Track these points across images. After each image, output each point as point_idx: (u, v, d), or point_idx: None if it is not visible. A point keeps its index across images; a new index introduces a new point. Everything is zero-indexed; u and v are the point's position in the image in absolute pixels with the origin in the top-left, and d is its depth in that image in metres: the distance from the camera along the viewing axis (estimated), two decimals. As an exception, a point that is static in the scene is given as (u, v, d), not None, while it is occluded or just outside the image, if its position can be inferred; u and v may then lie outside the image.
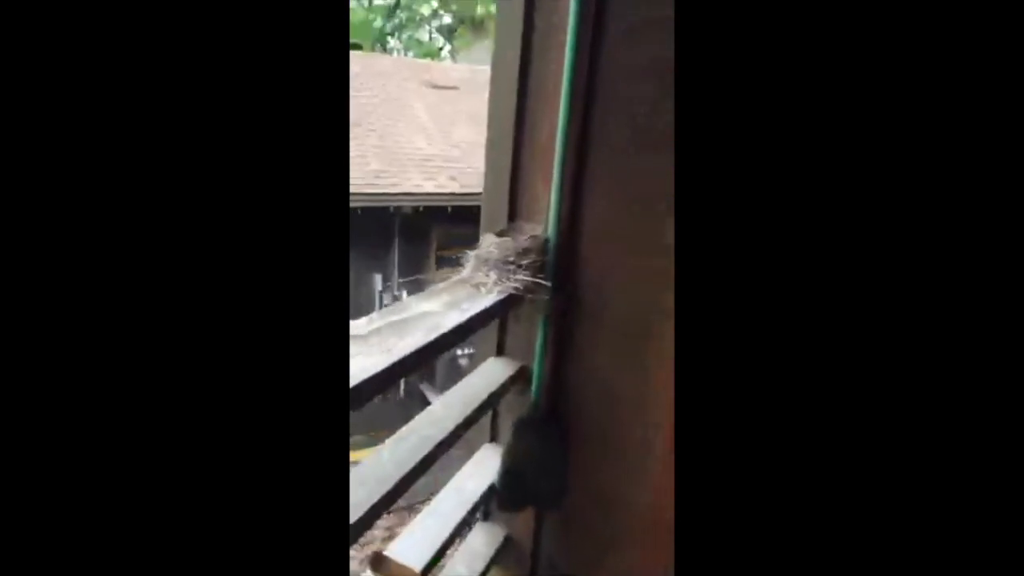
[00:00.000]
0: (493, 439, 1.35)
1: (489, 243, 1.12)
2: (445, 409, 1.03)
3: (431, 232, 6.46)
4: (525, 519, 1.35)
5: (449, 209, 5.90)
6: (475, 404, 1.07)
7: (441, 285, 1.05)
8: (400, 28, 14.99)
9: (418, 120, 7.02)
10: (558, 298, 1.11)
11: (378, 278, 6.39)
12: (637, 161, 1.03)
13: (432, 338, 0.81)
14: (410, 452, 0.89)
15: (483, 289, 1.04)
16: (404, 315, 0.89)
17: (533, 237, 1.11)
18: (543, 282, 1.05)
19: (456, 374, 5.96)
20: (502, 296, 1.02)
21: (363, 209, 5.49)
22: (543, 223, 1.12)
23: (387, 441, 0.92)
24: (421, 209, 5.89)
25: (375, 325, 0.84)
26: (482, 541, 1.36)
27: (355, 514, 0.74)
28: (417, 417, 1.00)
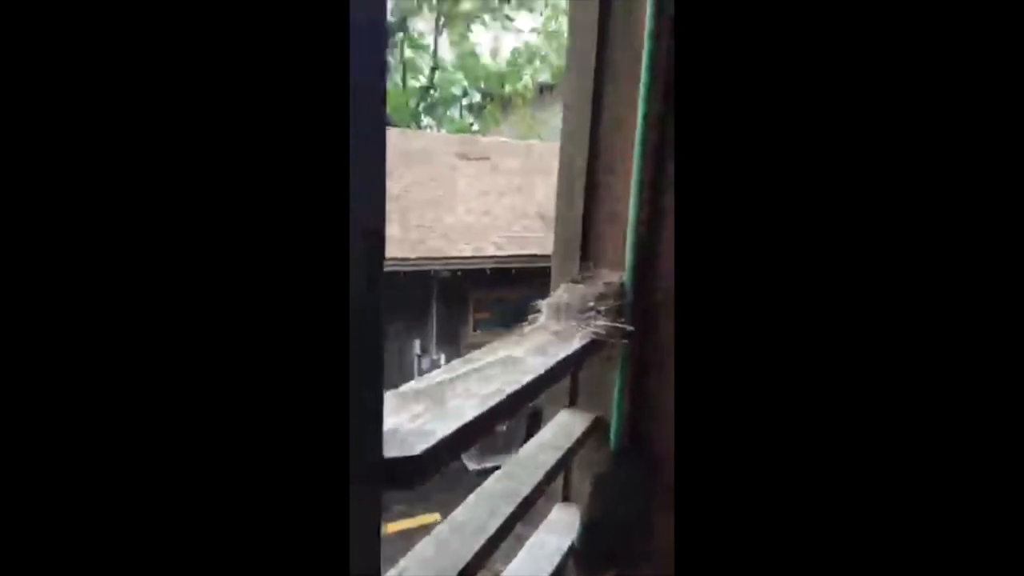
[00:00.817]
0: (566, 499, 1.28)
1: (563, 290, 1.11)
2: (520, 468, 0.98)
3: (469, 296, 6.52)
4: (604, 585, 1.26)
5: (488, 272, 5.98)
6: (553, 460, 1.02)
7: (519, 334, 1.03)
8: (432, 107, 15.86)
9: (454, 189, 7.28)
10: (639, 343, 1.09)
11: (416, 343, 6.42)
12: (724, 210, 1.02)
13: (525, 382, 0.79)
14: (486, 517, 0.84)
15: (562, 335, 1.02)
16: (487, 360, 0.88)
17: (608, 283, 1.10)
18: (624, 326, 1.03)
19: (494, 441, 5.80)
20: (584, 341, 1.00)
21: (404, 274, 5.61)
22: (619, 268, 1.11)
23: (459, 508, 0.87)
24: (460, 273, 5.99)
25: (458, 371, 0.82)
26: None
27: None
28: (488, 480, 0.95)
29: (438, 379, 0.76)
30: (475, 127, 16.03)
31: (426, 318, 6.50)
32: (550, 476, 0.99)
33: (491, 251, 6.07)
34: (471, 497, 0.89)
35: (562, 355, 0.92)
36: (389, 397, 0.67)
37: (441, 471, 0.59)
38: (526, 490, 0.91)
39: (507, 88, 15.09)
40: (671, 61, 1.01)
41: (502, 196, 7.25)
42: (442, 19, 14.37)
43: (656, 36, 0.99)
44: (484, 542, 0.77)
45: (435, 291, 6.41)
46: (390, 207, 6.19)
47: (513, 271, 5.93)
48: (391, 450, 0.56)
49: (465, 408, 0.67)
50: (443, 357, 6.40)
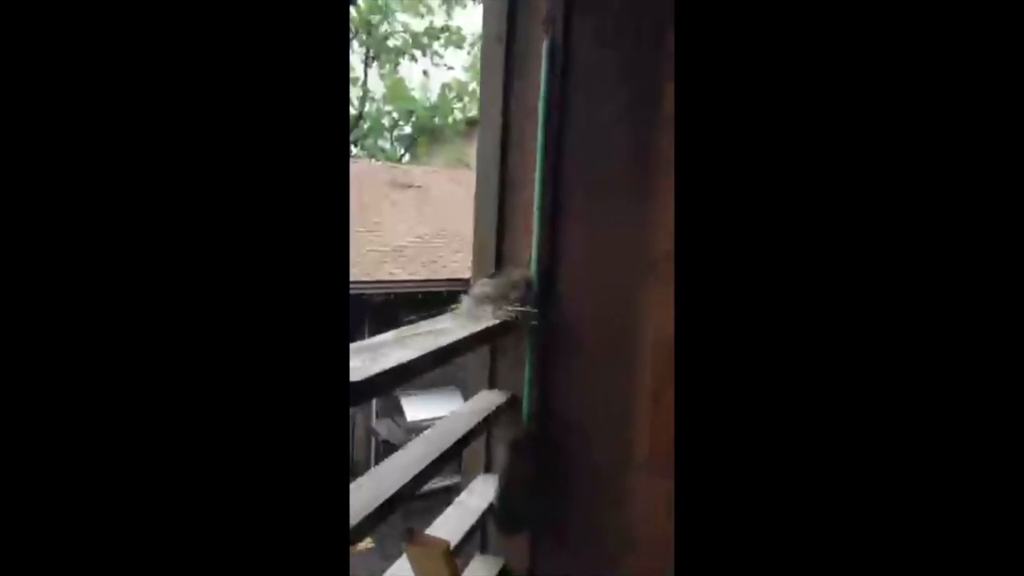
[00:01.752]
0: (487, 470, 1.46)
1: (481, 284, 1.31)
2: (442, 432, 1.16)
3: (401, 321, 6.59)
4: (521, 548, 1.43)
5: (420, 296, 6.10)
6: (472, 423, 1.21)
7: (443, 317, 1.22)
8: (363, 138, 15.90)
9: (385, 216, 7.39)
10: (543, 326, 1.30)
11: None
12: (604, 208, 1.27)
13: (445, 344, 0.98)
14: (408, 466, 1.00)
15: (479, 318, 1.22)
16: (415, 331, 1.06)
17: (518, 278, 1.31)
18: (531, 310, 1.24)
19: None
20: (497, 321, 1.20)
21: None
22: (527, 265, 1.32)
23: (393, 456, 1.04)
24: (392, 296, 6.07)
25: (388, 339, 1.00)
26: (480, 572, 1.42)
27: (353, 519, 0.79)
28: (413, 441, 1.12)
29: (373, 342, 0.93)
30: (406, 158, 16.20)
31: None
32: (468, 435, 1.17)
33: (423, 275, 6.22)
34: (401, 451, 1.05)
35: (477, 329, 1.11)
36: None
37: (382, 395, 0.75)
38: (448, 443, 1.08)
39: (437, 121, 15.42)
40: (561, 96, 1.26)
41: (433, 222, 7.43)
42: (371, 52, 14.60)
43: (550, 72, 1.24)
44: (411, 477, 0.94)
45: (368, 315, 6.45)
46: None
47: (445, 294, 6.08)
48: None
49: (393, 359, 0.85)
50: (375, 382, 6.41)
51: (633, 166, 1.24)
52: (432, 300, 6.14)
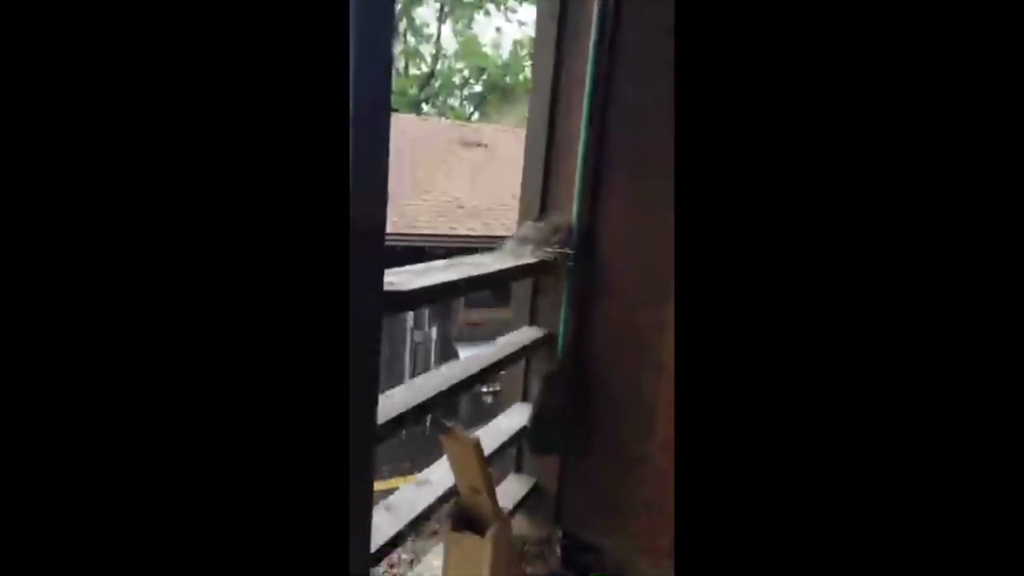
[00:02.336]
0: (525, 399, 1.61)
1: (525, 227, 1.43)
2: (480, 357, 1.31)
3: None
4: (551, 469, 1.59)
5: (479, 251, 6.31)
6: (510, 350, 1.36)
7: (487, 254, 1.36)
8: (434, 95, 16.06)
9: (452, 173, 7.58)
10: (581, 269, 1.41)
11: (410, 315, 6.74)
12: (643, 165, 1.35)
13: (486, 271, 1.12)
14: (455, 374, 1.17)
15: (520, 256, 1.35)
16: (462, 262, 1.21)
17: (559, 223, 1.43)
18: (568, 251, 1.36)
19: (481, 411, 6.14)
20: (536, 260, 1.33)
21: (399, 248, 5.93)
22: (569, 214, 1.43)
23: (436, 369, 1.20)
24: (452, 251, 6.32)
25: (436, 266, 1.15)
26: (513, 487, 1.59)
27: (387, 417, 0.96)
28: (463, 358, 1.29)
29: (423, 266, 1.09)
30: (475, 116, 16.27)
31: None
32: (508, 359, 1.32)
33: (482, 231, 6.40)
34: (445, 366, 1.22)
35: (517, 263, 1.25)
36: (388, 273, 0.98)
37: (425, 305, 0.90)
38: (486, 363, 1.24)
39: (508, 79, 15.33)
40: (607, 58, 1.33)
41: (498, 180, 7.55)
42: (445, 8, 14.57)
43: (599, 41, 1.32)
44: (449, 386, 1.10)
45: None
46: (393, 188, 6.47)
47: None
48: (390, 288, 0.88)
49: (440, 278, 1.00)
50: (434, 331, 6.73)
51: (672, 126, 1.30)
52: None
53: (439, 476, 1.18)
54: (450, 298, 1.04)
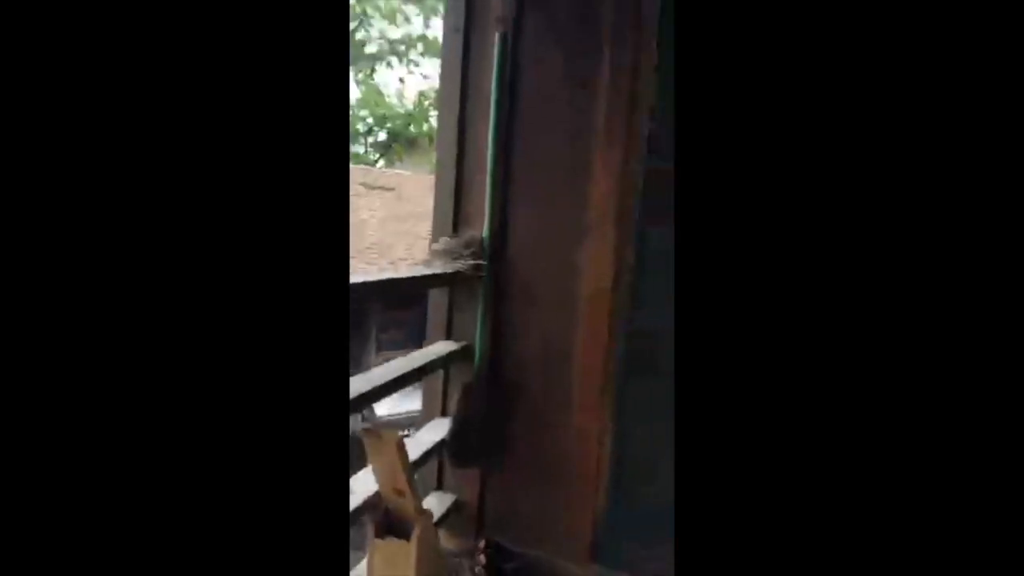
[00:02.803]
0: (444, 413, 1.63)
1: (441, 242, 1.50)
2: (397, 366, 1.34)
3: (370, 318, 6.71)
4: (472, 484, 1.61)
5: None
6: (428, 359, 1.39)
7: (406, 266, 1.40)
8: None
9: (357, 215, 7.51)
10: (494, 281, 1.49)
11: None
12: (547, 179, 1.47)
13: (400, 276, 1.17)
14: (377, 378, 1.19)
15: (434, 267, 1.41)
16: (376, 275, 1.24)
17: (471, 238, 1.50)
18: (480, 262, 1.44)
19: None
20: (451, 270, 1.39)
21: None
22: (480, 229, 1.52)
23: (361, 375, 1.22)
24: (360, 287, 6.21)
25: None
26: (434, 504, 1.59)
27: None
28: (375, 369, 1.31)
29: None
30: (380, 163, 16.28)
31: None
32: (423, 368, 1.35)
33: (391, 272, 6.36)
34: (369, 372, 1.23)
35: (429, 272, 1.30)
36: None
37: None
38: (405, 370, 1.27)
39: (412, 128, 15.58)
40: (511, 83, 1.46)
41: (405, 223, 7.58)
42: (348, 58, 14.69)
43: (501, 61, 1.45)
44: (373, 387, 1.12)
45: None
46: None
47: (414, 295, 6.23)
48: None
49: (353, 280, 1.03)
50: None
51: (572, 145, 1.45)
52: (404, 298, 6.26)
53: (360, 485, 1.18)
54: (365, 301, 1.07)
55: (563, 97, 1.44)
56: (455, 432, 1.50)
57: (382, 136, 16.54)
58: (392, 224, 7.57)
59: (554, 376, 1.51)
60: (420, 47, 14.75)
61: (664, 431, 1.42)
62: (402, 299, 6.24)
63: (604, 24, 1.39)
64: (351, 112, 15.82)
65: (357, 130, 16.50)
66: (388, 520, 1.12)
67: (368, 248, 6.80)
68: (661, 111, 1.39)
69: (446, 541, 1.55)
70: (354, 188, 8.23)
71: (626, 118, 1.38)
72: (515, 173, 1.50)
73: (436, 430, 1.55)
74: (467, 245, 1.46)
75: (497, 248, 1.50)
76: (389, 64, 14.76)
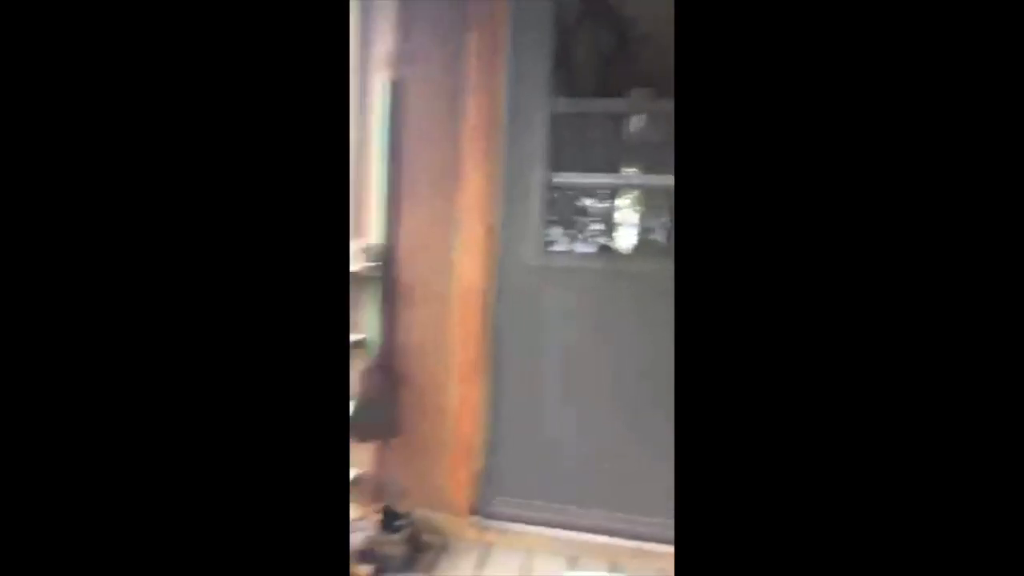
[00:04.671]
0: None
1: (339, 249, 1.77)
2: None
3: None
4: (370, 459, 1.86)
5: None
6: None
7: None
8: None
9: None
10: (385, 281, 1.78)
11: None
12: (427, 194, 1.79)
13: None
14: None
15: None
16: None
17: (367, 245, 1.79)
18: (375, 264, 1.73)
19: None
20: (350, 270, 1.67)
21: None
22: (373, 235, 1.81)
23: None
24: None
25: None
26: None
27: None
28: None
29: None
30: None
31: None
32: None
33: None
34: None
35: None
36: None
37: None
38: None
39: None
40: (395, 119, 1.78)
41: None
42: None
43: (389, 116, 1.76)
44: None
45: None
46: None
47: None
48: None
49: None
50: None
51: (448, 164, 1.78)
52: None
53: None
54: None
55: (437, 131, 1.78)
56: (355, 412, 1.76)
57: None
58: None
59: (435, 363, 1.81)
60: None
61: (533, 403, 1.75)
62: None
63: (467, 69, 1.74)
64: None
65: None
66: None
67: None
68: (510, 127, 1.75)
69: (351, 511, 1.79)
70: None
71: (489, 140, 1.73)
72: (401, 190, 1.81)
73: (337, 411, 1.79)
74: (363, 250, 1.75)
75: (388, 252, 1.80)
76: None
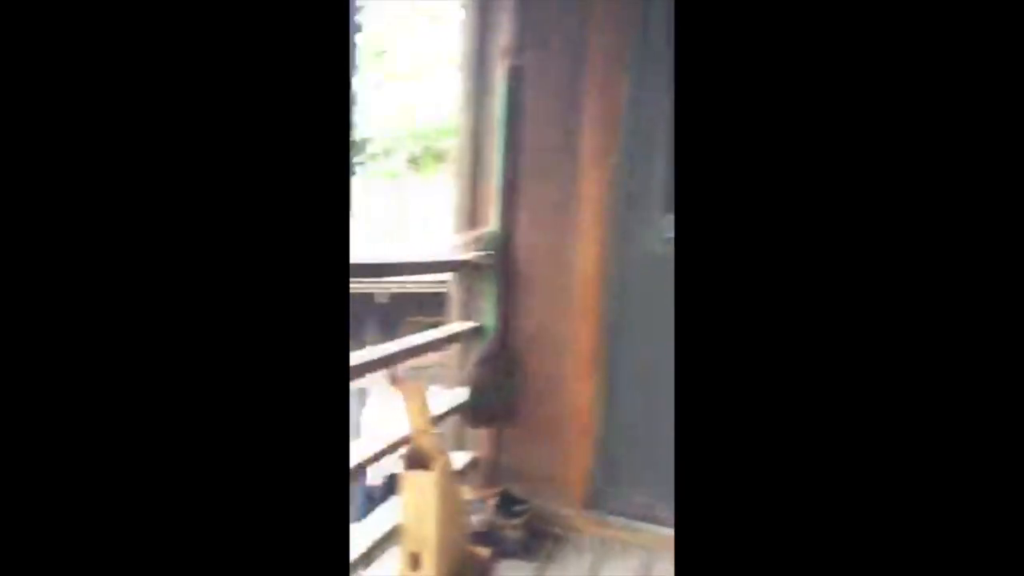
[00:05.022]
0: (460, 383, 1.92)
1: (456, 238, 1.80)
2: (425, 335, 1.64)
3: (403, 323, 7.10)
4: (487, 444, 1.89)
5: (422, 296, 6.61)
6: (448, 332, 1.69)
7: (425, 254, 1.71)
8: (371, 159, 16.54)
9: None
10: (501, 269, 1.79)
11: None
12: (545, 183, 1.77)
13: (421, 260, 1.47)
14: (404, 344, 1.50)
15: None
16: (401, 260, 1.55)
17: (481, 233, 1.81)
18: (488, 252, 1.74)
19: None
20: (464, 258, 1.69)
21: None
22: (489, 225, 1.81)
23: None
24: (394, 298, 6.60)
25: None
26: (457, 461, 1.87)
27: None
28: (405, 337, 1.61)
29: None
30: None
31: (361, 346, 6.93)
32: (444, 340, 1.65)
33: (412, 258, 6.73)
34: (393, 342, 1.53)
35: (444, 258, 1.60)
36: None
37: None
38: (430, 339, 1.57)
39: (440, 142, 16.07)
40: (515, 106, 1.76)
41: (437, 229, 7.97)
42: (382, 76, 15.29)
43: (507, 87, 1.75)
44: (400, 349, 1.42)
45: (369, 319, 6.94)
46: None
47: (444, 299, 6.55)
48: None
49: (383, 258, 1.34)
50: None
51: (564, 160, 1.73)
52: (430, 300, 6.61)
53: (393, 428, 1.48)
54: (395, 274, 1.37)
55: (557, 118, 1.74)
56: (471, 398, 1.79)
57: (416, 150, 17.13)
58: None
59: (553, 349, 1.79)
60: (449, 63, 15.22)
61: (651, 396, 1.68)
62: (433, 306, 6.60)
63: (590, 55, 1.68)
64: (384, 130, 16.44)
65: (391, 147, 17.13)
66: (415, 456, 1.41)
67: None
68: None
69: (465, 493, 1.83)
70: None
71: (607, 131, 1.66)
72: (520, 178, 1.79)
73: (456, 398, 1.84)
74: (478, 239, 1.76)
75: (503, 241, 1.80)
76: (419, 81, 15.32)
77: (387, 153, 16.91)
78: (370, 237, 7.35)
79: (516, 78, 1.75)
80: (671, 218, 1.63)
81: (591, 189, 1.70)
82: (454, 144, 1.89)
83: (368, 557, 1.33)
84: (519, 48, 1.75)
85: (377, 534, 1.39)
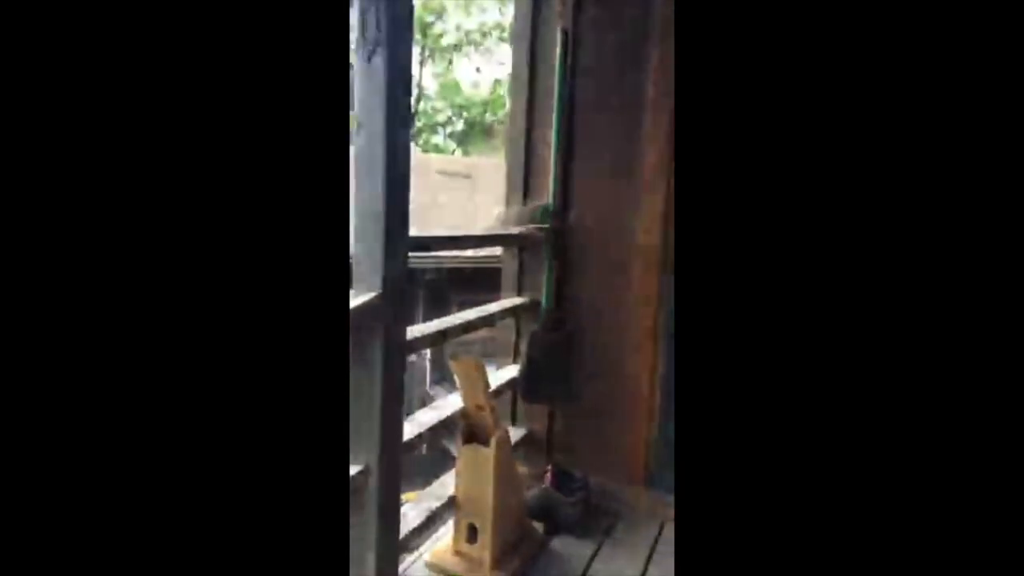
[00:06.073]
0: (516, 360, 1.90)
1: (510, 210, 1.76)
2: (479, 311, 1.61)
3: (451, 298, 7.16)
4: (541, 420, 1.87)
5: (468, 272, 6.64)
6: (502, 307, 1.66)
7: (480, 227, 1.68)
8: (417, 134, 16.65)
9: (436, 201, 7.98)
10: (557, 242, 1.73)
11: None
12: (603, 153, 1.69)
13: (476, 234, 1.43)
14: (458, 319, 1.47)
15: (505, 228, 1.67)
16: (458, 233, 1.52)
17: (537, 205, 1.75)
18: (544, 226, 1.68)
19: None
20: (520, 231, 1.65)
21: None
22: (546, 197, 1.76)
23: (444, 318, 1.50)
24: (443, 272, 6.64)
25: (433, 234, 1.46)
26: (512, 435, 1.86)
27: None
28: (458, 313, 1.59)
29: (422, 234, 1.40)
30: (457, 152, 16.84)
31: (414, 318, 7.08)
32: (499, 314, 1.62)
33: (470, 254, 6.75)
34: (449, 316, 1.51)
35: (499, 232, 1.56)
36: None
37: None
38: (485, 313, 1.54)
39: (488, 116, 15.98)
40: (571, 73, 1.68)
41: (481, 206, 7.95)
42: (426, 51, 15.27)
43: (563, 56, 1.67)
44: (453, 324, 1.40)
45: (420, 292, 7.03)
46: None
47: (492, 274, 6.57)
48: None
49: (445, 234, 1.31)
50: (429, 352, 6.96)
51: (624, 123, 1.65)
52: (478, 276, 6.63)
53: (450, 403, 1.47)
54: (459, 246, 1.34)
55: (617, 80, 1.65)
56: (525, 373, 1.76)
57: (460, 125, 17.09)
58: (469, 207, 7.97)
59: (609, 325, 1.73)
60: (494, 35, 15.05)
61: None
62: (480, 282, 6.63)
63: (653, 11, 1.57)
64: (431, 104, 16.47)
65: (436, 121, 17.15)
66: (471, 430, 1.40)
67: (446, 231, 7.23)
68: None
69: (520, 467, 1.83)
70: (432, 176, 8.71)
71: (671, 97, 1.56)
72: (575, 148, 1.72)
73: (509, 373, 1.82)
74: (533, 211, 1.71)
75: (559, 214, 1.74)
76: (466, 55, 15.22)
77: (436, 127, 17.01)
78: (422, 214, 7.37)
79: (573, 41, 1.67)
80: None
81: (652, 157, 1.62)
82: (506, 115, 1.83)
83: (424, 529, 1.34)
84: (577, 6, 1.67)
85: (435, 504, 1.40)
